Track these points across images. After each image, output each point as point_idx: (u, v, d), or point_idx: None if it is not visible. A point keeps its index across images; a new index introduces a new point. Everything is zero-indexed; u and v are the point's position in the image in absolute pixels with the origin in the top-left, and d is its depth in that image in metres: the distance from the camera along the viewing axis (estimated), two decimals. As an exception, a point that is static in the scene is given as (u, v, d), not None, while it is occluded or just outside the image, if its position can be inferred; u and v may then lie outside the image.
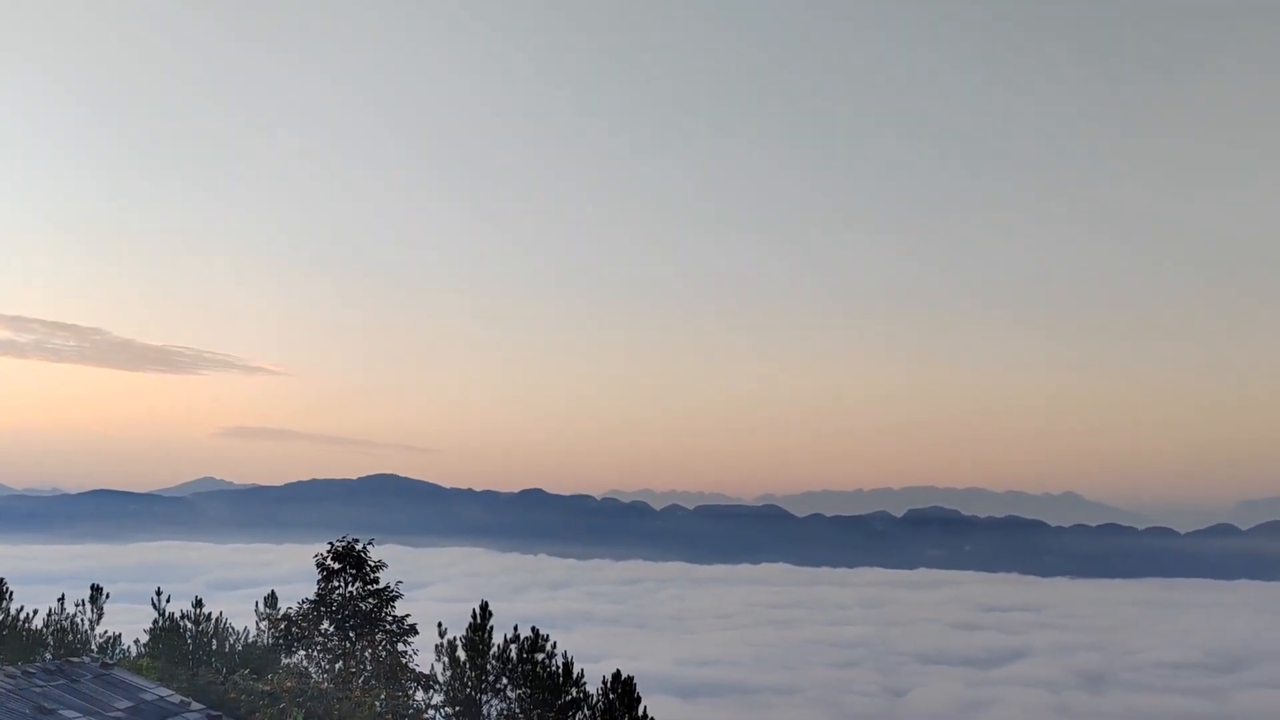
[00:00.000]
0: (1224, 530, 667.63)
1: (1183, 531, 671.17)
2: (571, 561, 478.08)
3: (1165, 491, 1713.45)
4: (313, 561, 27.96)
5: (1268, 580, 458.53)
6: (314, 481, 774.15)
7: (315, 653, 26.51)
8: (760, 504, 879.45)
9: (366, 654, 26.44)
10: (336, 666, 25.74)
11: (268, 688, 20.99)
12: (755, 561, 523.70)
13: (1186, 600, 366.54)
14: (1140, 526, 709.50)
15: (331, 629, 26.94)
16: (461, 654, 29.34)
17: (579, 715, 30.94)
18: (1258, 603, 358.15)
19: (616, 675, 32.46)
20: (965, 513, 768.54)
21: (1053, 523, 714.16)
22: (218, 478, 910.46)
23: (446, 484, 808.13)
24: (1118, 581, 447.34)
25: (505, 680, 29.47)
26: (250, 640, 28.56)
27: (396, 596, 28.26)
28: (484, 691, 29.12)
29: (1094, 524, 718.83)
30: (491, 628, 30.02)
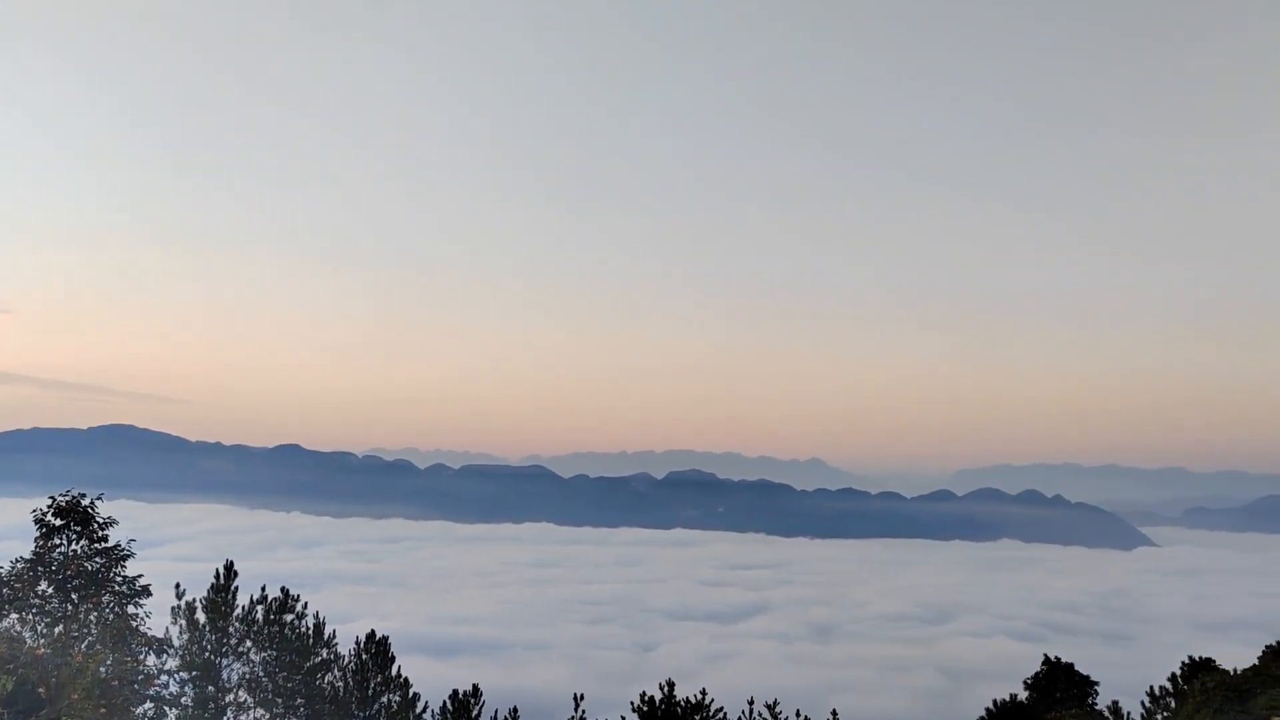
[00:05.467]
0: (943, 496, 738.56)
1: (909, 496, 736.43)
2: (327, 519, 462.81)
3: (896, 460, 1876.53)
4: (30, 518, 25.59)
5: (977, 540, 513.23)
6: (36, 431, 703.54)
7: (31, 616, 24.35)
8: (526, 464, 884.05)
9: (91, 617, 24.60)
10: (56, 631, 23.78)
11: (-29, 655, 19.09)
12: (518, 521, 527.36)
13: (907, 558, 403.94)
14: (873, 491, 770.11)
15: (51, 590, 24.84)
16: (201, 616, 27.89)
17: (328, 677, 30.24)
18: (966, 560, 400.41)
19: (370, 635, 31.92)
20: (720, 475, 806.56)
21: (798, 486, 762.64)
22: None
23: (192, 437, 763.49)
24: (851, 541, 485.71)
25: (249, 643, 28.34)
26: (-48, 604, 25.84)
27: (128, 556, 26.35)
28: (225, 655, 27.87)
29: (834, 488, 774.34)
30: (236, 588, 28.69)
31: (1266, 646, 36.81)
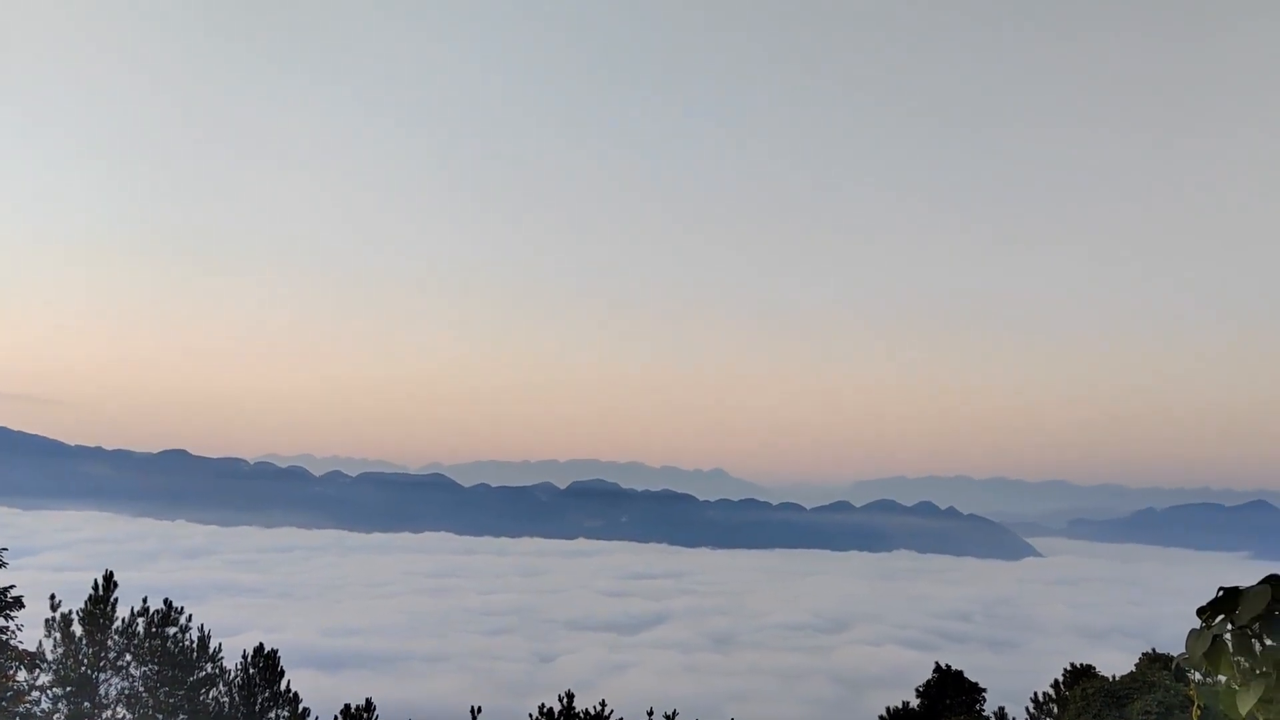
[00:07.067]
0: (841, 506, 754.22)
1: (808, 507, 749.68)
2: (214, 528, 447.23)
3: (797, 471, 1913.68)
4: (-111, 525, 24.00)
5: (873, 551, 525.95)
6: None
7: (-114, 631, 22.87)
8: (426, 472, 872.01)
9: (-45, 631, 23.24)
10: (-86, 646, 22.36)
11: None
12: (417, 530, 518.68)
13: (805, 568, 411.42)
14: (774, 502, 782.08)
15: (-90, 603, 23.37)
16: (78, 629, 26.61)
17: (213, 692, 29.13)
18: (862, 570, 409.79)
19: (258, 649, 30.87)
20: (624, 485, 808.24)
21: (701, 496, 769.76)
22: None
23: (69, 440, 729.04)
24: (751, 551, 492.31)
25: (129, 657, 27.16)
26: None
27: (-2, 565, 24.99)
28: (103, 669, 26.63)
29: (736, 498, 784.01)
30: (116, 600, 27.48)
31: (1143, 654, 38.59)
